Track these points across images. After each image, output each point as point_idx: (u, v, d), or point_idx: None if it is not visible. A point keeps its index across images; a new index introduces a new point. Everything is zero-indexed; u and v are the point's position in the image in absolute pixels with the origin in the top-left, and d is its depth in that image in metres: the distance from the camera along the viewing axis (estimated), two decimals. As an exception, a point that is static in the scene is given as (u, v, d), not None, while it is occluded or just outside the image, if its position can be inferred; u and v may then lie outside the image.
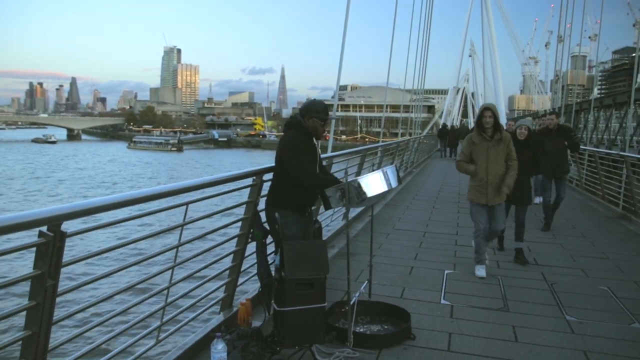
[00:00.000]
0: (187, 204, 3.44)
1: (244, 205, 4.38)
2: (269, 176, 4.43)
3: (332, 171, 6.63)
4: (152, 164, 66.73)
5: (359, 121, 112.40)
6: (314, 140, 4.19)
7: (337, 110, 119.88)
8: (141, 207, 3.16)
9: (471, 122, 42.31)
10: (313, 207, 5.98)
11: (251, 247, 4.42)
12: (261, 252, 4.25)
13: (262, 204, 4.37)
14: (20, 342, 2.30)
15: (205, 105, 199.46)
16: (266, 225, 4.29)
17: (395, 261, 6.33)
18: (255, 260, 4.30)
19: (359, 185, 3.82)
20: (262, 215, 4.32)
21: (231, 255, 4.41)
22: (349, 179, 3.87)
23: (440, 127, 33.37)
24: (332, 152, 7.78)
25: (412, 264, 6.25)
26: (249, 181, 4.39)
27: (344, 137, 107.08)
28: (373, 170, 4.30)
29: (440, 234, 7.90)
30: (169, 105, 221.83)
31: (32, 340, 2.31)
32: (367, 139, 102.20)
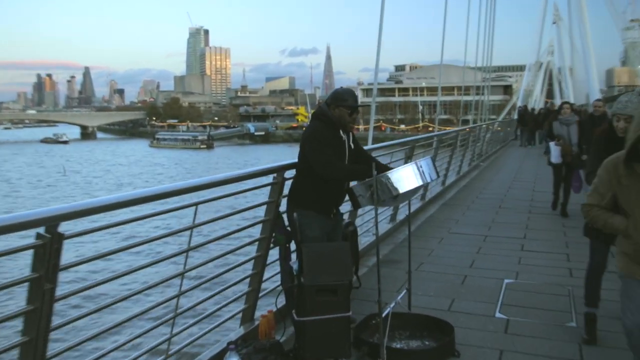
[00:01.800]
0: (196, 204, 3.73)
1: (265, 206, 4.64)
2: (291, 173, 4.68)
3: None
4: (177, 163, 68.48)
5: (421, 107, 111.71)
6: (341, 132, 4.41)
7: (395, 95, 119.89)
8: (146, 208, 3.48)
9: (558, 102, 41.29)
10: (349, 210, 6.24)
11: (274, 253, 4.70)
12: (285, 258, 4.50)
13: (284, 205, 4.63)
14: (18, 348, 2.62)
15: (239, 94, 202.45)
16: (290, 229, 4.55)
17: (446, 269, 6.50)
18: (279, 269, 4.57)
19: (389, 180, 4.04)
20: (286, 217, 4.59)
21: (251, 262, 4.68)
22: (383, 173, 4.10)
23: (518, 110, 32.85)
24: (375, 144, 7.97)
25: (466, 272, 6.41)
26: (269, 179, 4.65)
27: (402, 126, 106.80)
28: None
29: (504, 238, 8.01)
30: (196, 95, 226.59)
31: (30, 346, 2.63)
32: (430, 128, 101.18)
